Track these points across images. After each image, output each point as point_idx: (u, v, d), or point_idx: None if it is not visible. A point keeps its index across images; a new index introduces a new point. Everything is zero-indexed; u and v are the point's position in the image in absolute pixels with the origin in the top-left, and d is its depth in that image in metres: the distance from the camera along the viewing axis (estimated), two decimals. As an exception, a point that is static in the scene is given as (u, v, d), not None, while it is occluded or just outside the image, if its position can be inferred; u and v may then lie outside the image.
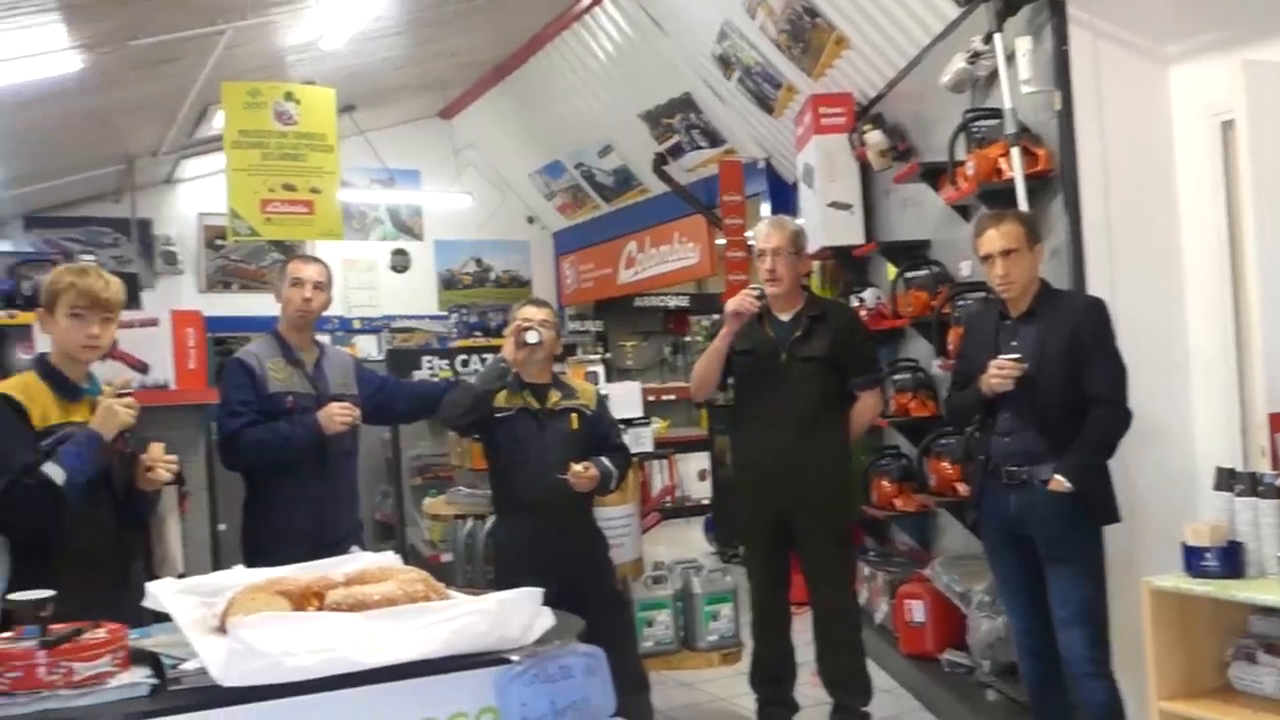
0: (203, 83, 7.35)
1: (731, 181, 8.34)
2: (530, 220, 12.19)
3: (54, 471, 2.85)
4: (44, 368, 3.10)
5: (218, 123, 8.05)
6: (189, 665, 1.94)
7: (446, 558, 5.25)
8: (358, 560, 2.48)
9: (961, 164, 4.60)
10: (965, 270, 5.08)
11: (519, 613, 2.10)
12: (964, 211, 4.99)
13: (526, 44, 9.56)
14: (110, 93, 7.50)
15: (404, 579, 2.21)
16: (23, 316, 3.95)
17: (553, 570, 3.56)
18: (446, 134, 11.51)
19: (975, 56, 4.54)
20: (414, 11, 7.79)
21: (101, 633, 1.98)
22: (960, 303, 4.80)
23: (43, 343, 3.59)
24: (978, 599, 4.61)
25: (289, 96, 6.82)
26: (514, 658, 2.04)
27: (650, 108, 9.18)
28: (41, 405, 3.00)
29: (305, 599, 2.15)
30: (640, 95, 9.12)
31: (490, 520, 4.52)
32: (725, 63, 7.63)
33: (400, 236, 11.76)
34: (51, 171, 9.29)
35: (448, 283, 11.90)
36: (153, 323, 3.85)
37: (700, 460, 8.36)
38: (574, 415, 4.22)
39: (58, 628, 1.97)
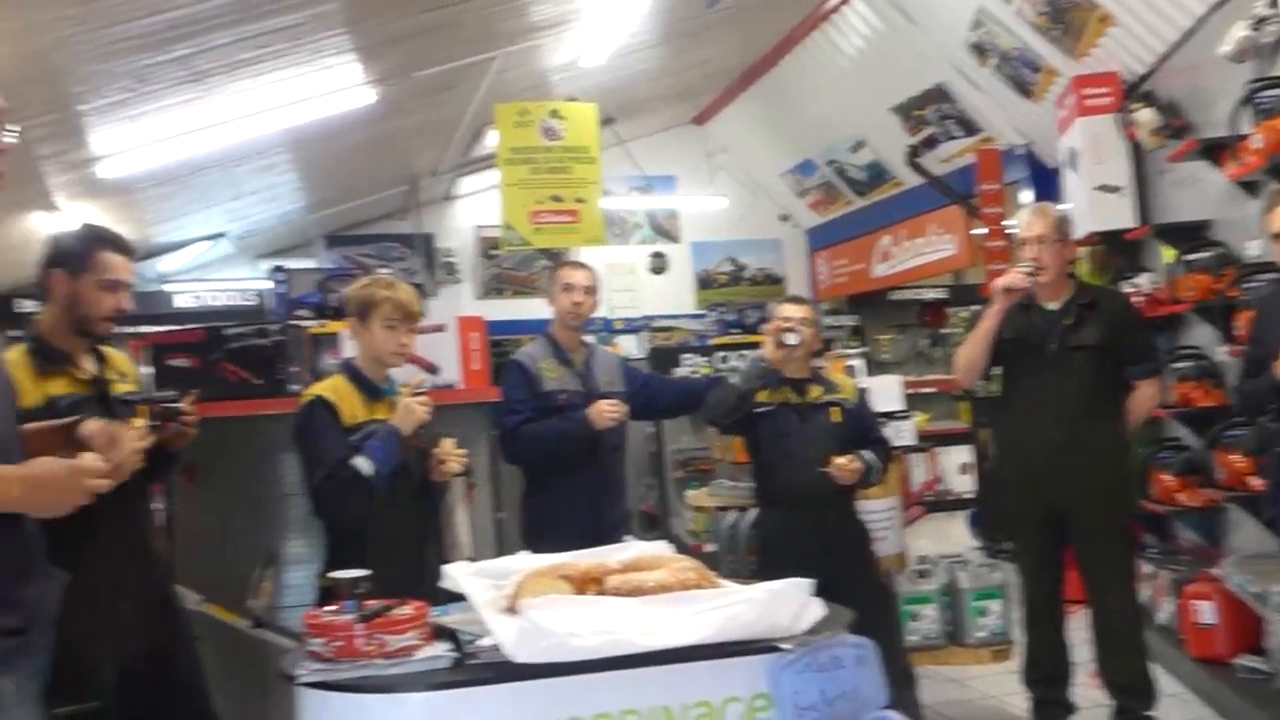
0: (477, 106, 7.75)
1: (989, 170, 8.02)
2: (783, 219, 12.14)
3: (363, 464, 3.09)
4: (350, 371, 3.37)
5: (490, 142, 8.48)
6: (484, 642, 2.06)
7: (710, 548, 5.31)
8: (631, 548, 2.56)
9: (1246, 138, 4.25)
10: (1253, 250, 4.68)
11: (789, 602, 2.11)
12: (1250, 188, 4.60)
13: (775, 48, 9.54)
14: (396, 120, 8.04)
15: (677, 567, 2.26)
16: (330, 325, 4.29)
17: (816, 563, 3.51)
18: (700, 140, 11.64)
19: (1260, 22, 4.18)
20: (668, 24, 7.93)
21: (408, 609, 2.12)
22: (1249, 285, 4.43)
23: (348, 348, 3.90)
24: (1276, 601, 4.24)
25: (555, 114, 7.12)
26: (785, 646, 2.04)
27: (902, 100, 8.95)
28: (349, 405, 3.26)
29: (585, 583, 2.24)
30: (891, 89, 8.91)
31: (752, 512, 4.54)
32: (980, 50, 7.35)
33: (658, 239, 11.99)
34: (347, 194, 10.05)
35: (704, 282, 12.03)
36: (440, 328, 4.10)
37: (962, 453, 8.04)
38: (835, 409, 4.17)
39: (371, 603, 2.13)
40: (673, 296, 11.58)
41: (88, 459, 2.00)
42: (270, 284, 8.11)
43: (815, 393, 4.20)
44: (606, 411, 4.09)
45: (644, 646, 1.96)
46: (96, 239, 2.96)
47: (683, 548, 6.03)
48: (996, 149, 8.20)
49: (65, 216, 7.10)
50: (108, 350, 3.10)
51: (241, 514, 4.10)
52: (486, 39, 6.82)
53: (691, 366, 6.45)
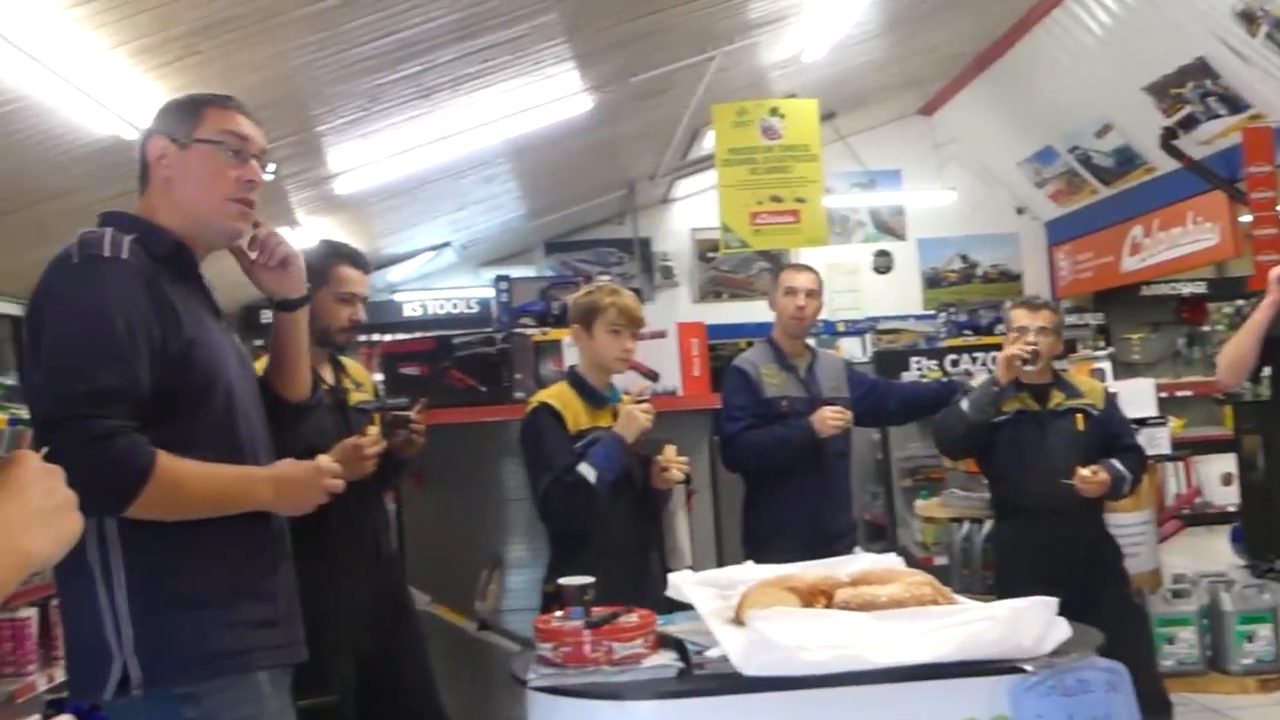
0: (694, 107, 7.86)
1: (1259, 150, 7.49)
2: (1019, 211, 11.72)
3: (587, 471, 3.21)
4: (574, 379, 3.50)
5: (707, 143, 8.57)
6: (711, 653, 2.10)
7: (940, 561, 5.21)
8: (860, 561, 2.54)
9: None
10: None
11: (1033, 622, 2.05)
12: None
13: (1011, 28, 9.22)
14: (614, 126, 8.25)
15: (910, 581, 2.23)
16: (552, 333, 4.45)
17: (1060, 579, 3.39)
18: (927, 130, 11.39)
19: None
20: (893, 11, 7.81)
21: (634, 617, 2.19)
22: None
23: (571, 356, 4.04)
24: None
25: (774, 112, 7.12)
26: (1028, 667, 1.99)
27: (1155, 79, 8.47)
28: (574, 412, 3.39)
29: (813, 596, 2.24)
30: (1143, 66, 8.44)
31: (988, 524, 4.42)
32: (1248, 18, 6.88)
33: (882, 238, 11.80)
34: (566, 201, 10.39)
35: (932, 281, 11.76)
36: (661, 334, 4.17)
37: (1224, 463, 7.57)
38: (1079, 415, 4.03)
39: (598, 610, 2.21)
40: (898, 297, 11.38)
41: (324, 460, 2.16)
42: (492, 292, 8.50)
43: (1057, 398, 4.06)
44: (830, 419, 4.07)
45: (877, 663, 1.95)
46: (334, 254, 3.19)
47: (911, 560, 5.93)
48: (1268, 127, 7.65)
49: (305, 231, 7.66)
50: (346, 360, 3.34)
51: (468, 518, 4.31)
52: (704, 39, 6.91)
53: (920, 370, 6.30)
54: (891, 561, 2.55)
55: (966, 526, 4.70)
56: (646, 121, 8.59)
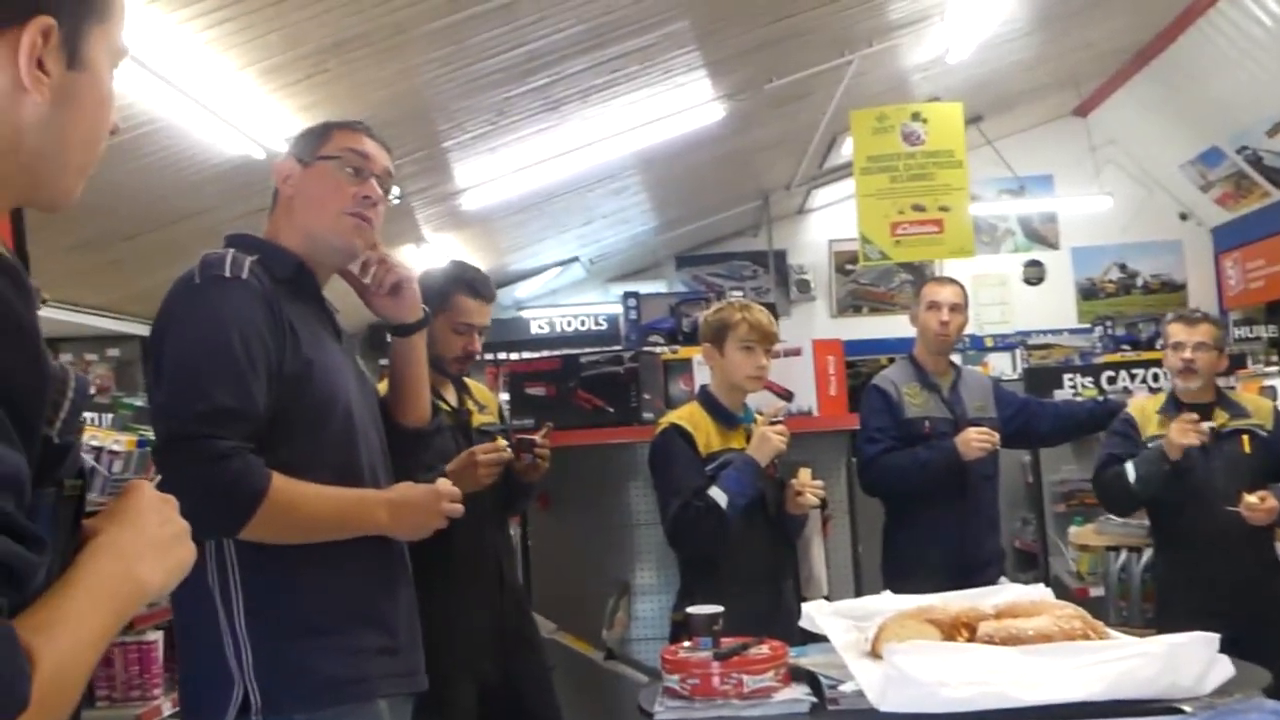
0: (831, 113, 7.82)
1: None
2: (1183, 217, 11.30)
3: (718, 495, 3.21)
4: (706, 399, 3.51)
5: (846, 150, 8.51)
6: (846, 687, 2.08)
7: (1096, 592, 5.04)
8: (1006, 592, 2.49)
9: None
10: None
11: (1192, 659, 1.98)
12: None
13: (1173, 23, 8.91)
14: (748, 135, 8.26)
15: (1059, 615, 2.18)
16: (683, 351, 4.48)
17: (1225, 613, 3.28)
18: (1082, 132, 11.07)
19: None
20: (1045, 8, 7.64)
21: (765, 649, 2.19)
22: None
23: (701, 375, 4.06)
24: None
25: (916, 117, 7.03)
26: (1187, 708, 1.92)
27: (1332, 72, 8.10)
28: (705, 433, 3.40)
29: (955, 629, 2.20)
30: (1318, 59, 8.08)
31: (1147, 553, 4.27)
32: None
33: (1033, 247, 11.52)
34: (697, 213, 10.43)
35: (1087, 292, 11.41)
36: (796, 352, 4.16)
37: None
38: (1245, 437, 3.88)
39: (728, 641, 2.22)
40: (1050, 309, 11.09)
41: (444, 484, 2.21)
42: (620, 308, 8.59)
43: (1221, 419, 3.92)
44: (975, 440, 3.99)
45: (1023, 701, 1.91)
46: (456, 280, 3.24)
47: (1064, 591, 5.76)
48: None
49: (431, 248, 7.87)
50: (470, 381, 3.41)
51: (595, 543, 4.35)
52: (841, 43, 6.87)
53: (1074, 388, 6.13)
54: (1040, 593, 2.49)
55: (1124, 555, 4.55)
56: (781, 129, 8.57)
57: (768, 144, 8.95)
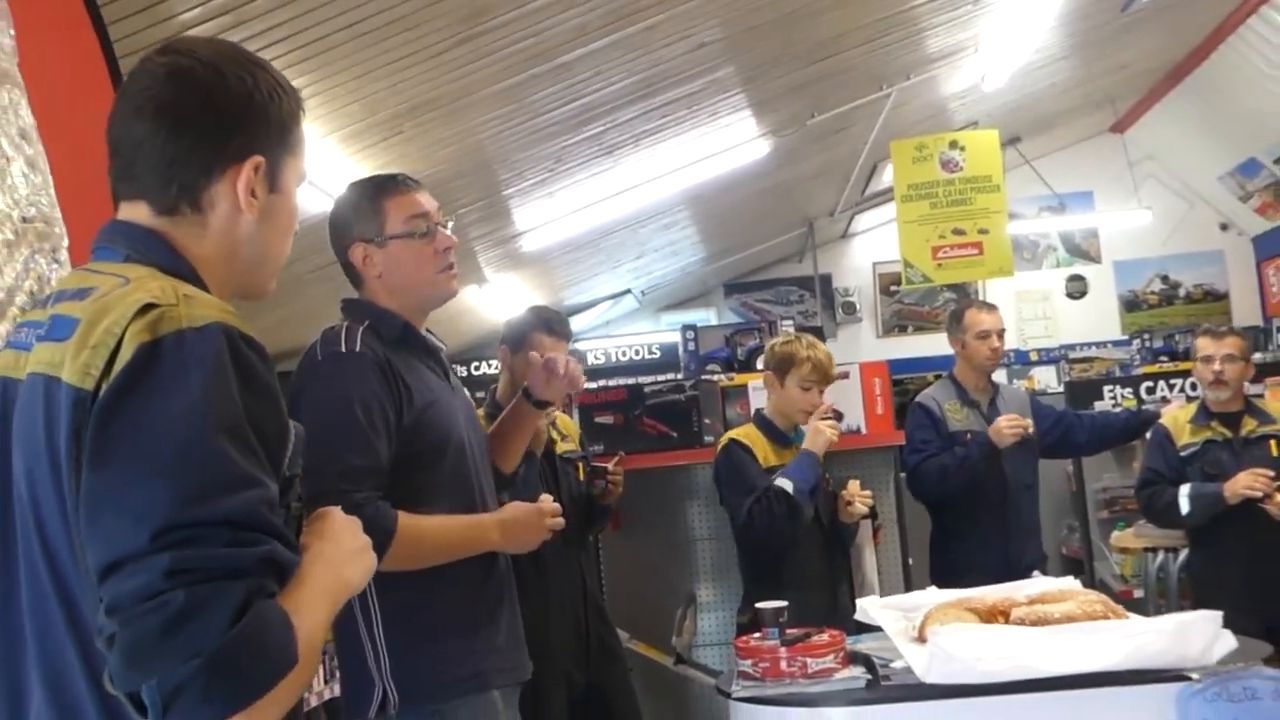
0: (871, 143, 8.14)
1: None
2: (1223, 227, 11.47)
3: (784, 483, 3.56)
4: (762, 421, 3.87)
5: (887, 176, 8.82)
6: (897, 664, 2.41)
7: (1140, 594, 5.29)
8: (1039, 583, 2.80)
9: None
10: None
11: (1198, 634, 2.28)
12: None
13: (1204, 41, 9.15)
14: (791, 167, 8.61)
15: (1083, 599, 2.50)
16: (738, 378, 4.82)
17: (1260, 609, 3.56)
18: (1119, 149, 11.29)
19: None
20: (1078, 34, 7.92)
21: (825, 636, 2.52)
22: None
23: (756, 399, 4.41)
24: None
25: (954, 145, 7.35)
26: (1194, 676, 2.22)
27: (1362, 82, 8.31)
28: (762, 449, 3.75)
29: (992, 616, 2.53)
30: (1348, 70, 8.29)
31: (1184, 553, 4.54)
32: None
33: (1075, 262, 11.72)
34: (745, 243, 10.78)
35: (1130, 305, 11.60)
36: (844, 375, 4.49)
37: None
38: (1273, 442, 4.14)
39: (792, 631, 2.55)
40: (1094, 322, 11.27)
41: (546, 501, 2.56)
42: (673, 336, 8.93)
43: (1249, 425, 4.18)
44: (1006, 427, 4.24)
45: (1049, 671, 2.23)
46: (534, 321, 3.66)
47: (1108, 594, 5.98)
48: None
49: (493, 287, 8.28)
50: (555, 412, 3.78)
51: (662, 557, 4.70)
52: (880, 77, 7.19)
53: (1114, 399, 6.38)
54: (1069, 584, 2.80)
55: (1161, 556, 4.81)
56: (824, 160, 8.90)
57: (811, 174, 9.29)
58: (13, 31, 2.28)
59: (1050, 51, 7.99)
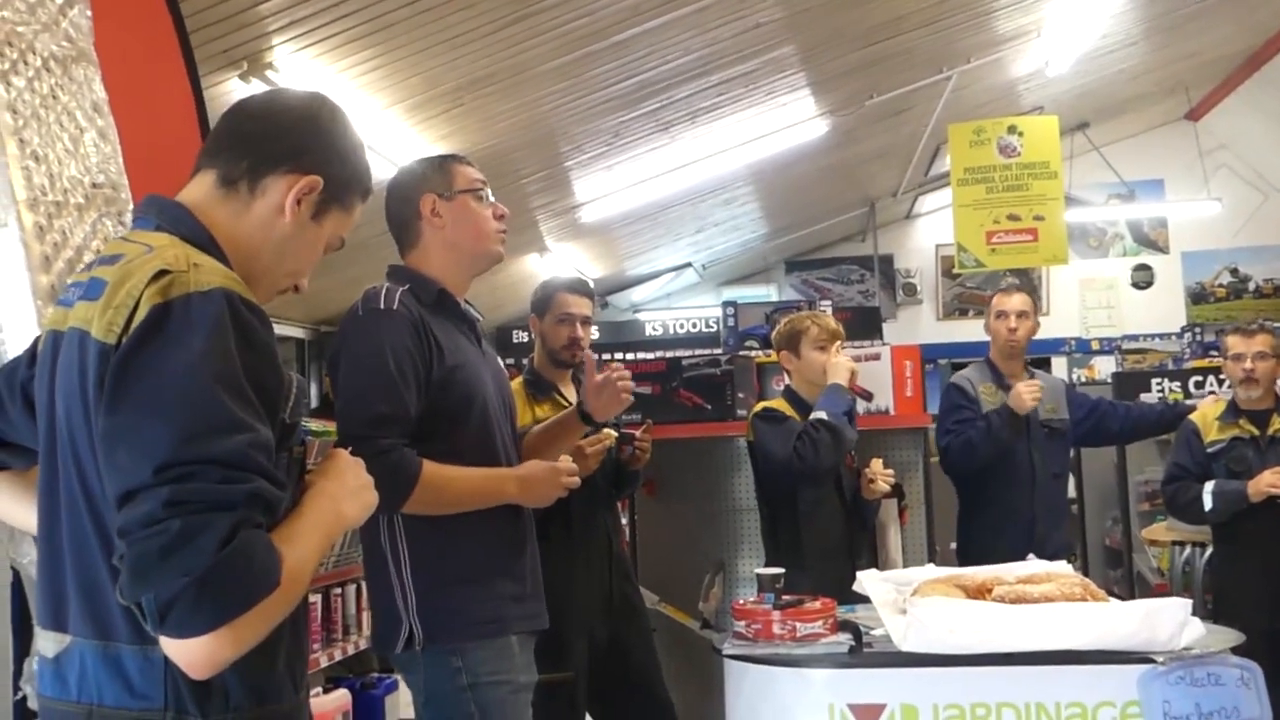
0: (933, 125, 8.17)
1: None
2: (1299, 220, 11.29)
3: (819, 414, 3.75)
4: (790, 395, 4.01)
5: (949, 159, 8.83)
6: (877, 632, 2.56)
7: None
8: (1031, 565, 2.92)
9: None
10: None
11: (1167, 620, 2.38)
12: None
13: (1281, 29, 9.02)
14: (851, 147, 8.67)
15: (1064, 582, 2.61)
16: (775, 355, 4.95)
17: (1276, 607, 3.63)
18: (1191, 137, 11.15)
19: None
20: (1148, 19, 7.86)
21: (817, 604, 2.67)
22: None
23: (789, 375, 4.53)
24: None
25: (1012, 130, 7.36)
26: (1159, 659, 2.34)
27: None
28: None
29: (979, 593, 2.64)
30: None
31: (1211, 548, 4.59)
32: None
33: (1141, 251, 11.61)
34: (805, 220, 10.85)
35: (1197, 297, 11.46)
36: (875, 357, 4.60)
37: None
38: (1299, 438, 4.16)
39: (787, 597, 2.70)
40: (1159, 313, 11.16)
41: (564, 460, 2.74)
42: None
43: (1277, 424, 4.21)
44: (1025, 392, 4.30)
45: (1018, 647, 2.35)
46: (555, 284, 3.85)
47: (1145, 586, 6.06)
48: None
49: (554, 256, 8.47)
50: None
51: (694, 525, 4.86)
52: (941, 59, 7.22)
53: (1161, 392, 6.36)
54: (1059, 568, 2.91)
55: (1188, 550, 4.85)
56: (885, 141, 8.95)
57: (872, 155, 9.33)
58: (89, 13, 2.49)
59: (1118, 37, 7.94)
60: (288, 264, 1.65)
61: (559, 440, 2.99)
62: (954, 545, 4.87)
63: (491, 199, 2.72)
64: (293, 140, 1.60)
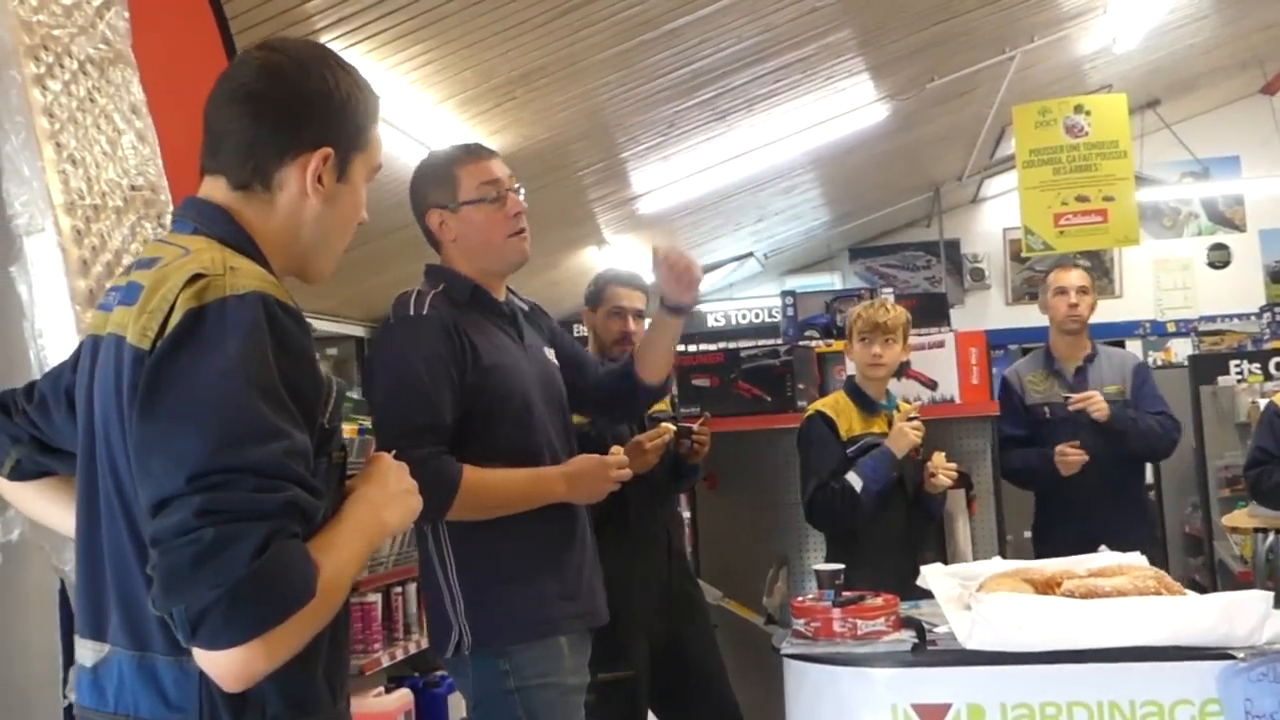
0: (998, 106, 7.98)
1: None
2: (1384, 197, 10.89)
3: (854, 480, 3.61)
4: (851, 387, 3.91)
5: (1016, 141, 8.63)
6: (941, 629, 2.47)
7: (1262, 575, 5.16)
8: (1103, 558, 2.81)
9: None
10: None
11: (1248, 613, 2.28)
12: None
13: (1359, -3, 8.68)
14: (913, 131, 8.51)
15: (1138, 575, 2.51)
16: (837, 345, 4.85)
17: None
18: (1268, 111, 10.80)
19: None
20: (1214, -8, 7.63)
21: (879, 600, 2.59)
22: None
23: (852, 366, 4.44)
24: None
25: (1079, 109, 7.16)
26: (1239, 654, 2.22)
27: None
28: (847, 419, 3.80)
29: (1048, 587, 2.55)
30: None
31: (1294, 536, 4.43)
32: None
33: (1217, 230, 11.28)
34: (869, 206, 10.69)
35: (1276, 275, 11.11)
36: (940, 344, 4.49)
37: None
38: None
39: (848, 594, 2.62)
40: (1237, 294, 10.80)
41: (612, 454, 2.67)
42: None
43: (1363, 405, 4.04)
44: (1071, 455, 4.24)
45: (1089, 643, 2.26)
46: (607, 277, 3.79)
47: (1227, 574, 5.86)
48: None
49: (613, 249, 8.42)
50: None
51: (756, 519, 4.78)
52: (1003, 39, 7.05)
53: (1241, 374, 6.14)
54: (1134, 559, 2.79)
55: (1271, 537, 4.68)
56: (949, 123, 8.77)
57: (935, 138, 9.15)
58: (127, 14, 2.48)
59: (1188, 11, 7.71)
60: (333, 236, 1.62)
61: (655, 346, 2.85)
62: (1028, 534, 4.75)
63: (513, 191, 2.62)
64: (284, 128, 1.54)
